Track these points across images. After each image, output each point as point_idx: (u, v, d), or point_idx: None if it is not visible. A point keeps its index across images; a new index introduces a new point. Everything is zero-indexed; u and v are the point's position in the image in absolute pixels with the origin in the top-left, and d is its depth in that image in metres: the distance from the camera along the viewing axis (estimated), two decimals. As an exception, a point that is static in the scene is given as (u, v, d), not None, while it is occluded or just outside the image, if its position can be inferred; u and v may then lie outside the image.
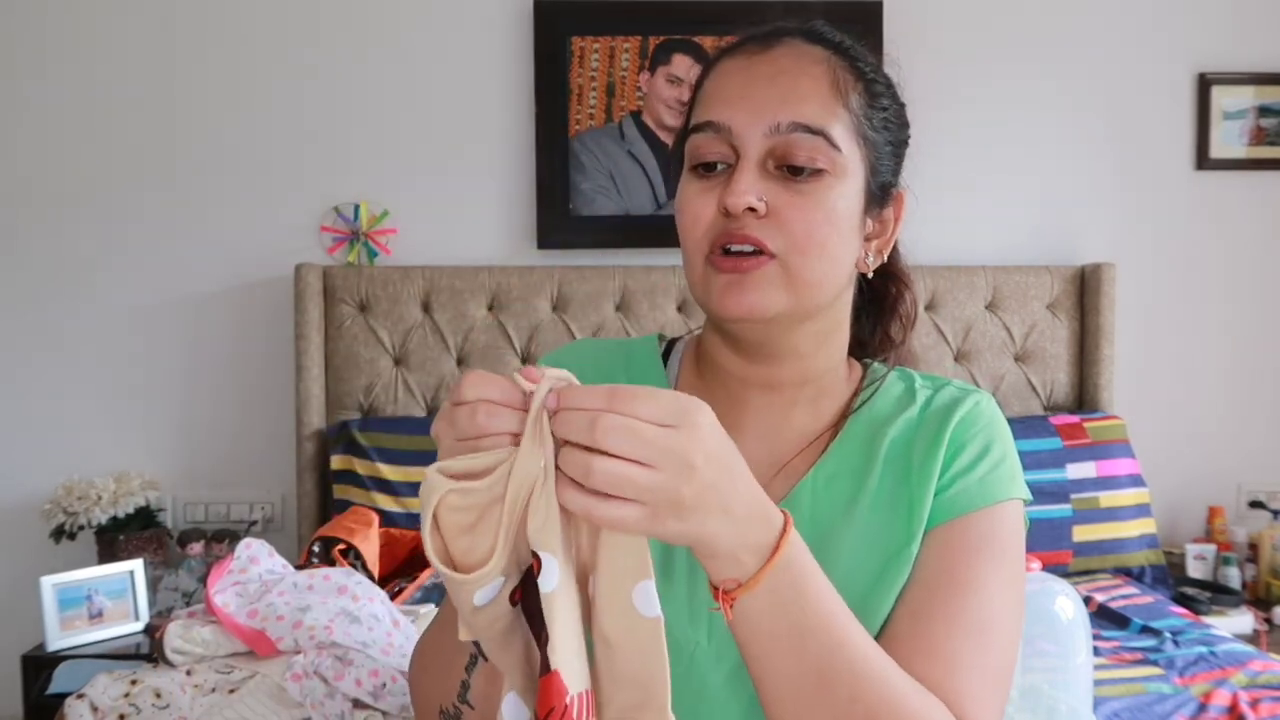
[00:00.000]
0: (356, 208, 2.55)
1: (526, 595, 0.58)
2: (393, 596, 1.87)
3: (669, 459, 0.55)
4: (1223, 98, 2.66)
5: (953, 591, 0.73)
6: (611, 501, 0.54)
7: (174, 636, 1.64)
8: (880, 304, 0.89)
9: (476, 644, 0.63)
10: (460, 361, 2.51)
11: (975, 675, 0.70)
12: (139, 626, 2.17)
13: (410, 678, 0.83)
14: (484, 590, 0.56)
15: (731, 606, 0.61)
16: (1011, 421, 2.52)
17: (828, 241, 0.75)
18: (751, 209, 0.73)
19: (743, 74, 0.76)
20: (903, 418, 0.82)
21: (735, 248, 0.74)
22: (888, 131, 0.80)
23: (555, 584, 0.55)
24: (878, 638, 0.70)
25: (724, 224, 0.74)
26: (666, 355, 0.89)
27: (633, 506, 0.55)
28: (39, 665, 2.03)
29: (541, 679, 0.56)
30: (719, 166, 0.76)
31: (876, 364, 0.88)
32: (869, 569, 0.76)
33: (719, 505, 0.58)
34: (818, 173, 0.74)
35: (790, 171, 0.74)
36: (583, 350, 0.91)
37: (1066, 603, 1.36)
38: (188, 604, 2.27)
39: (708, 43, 2.53)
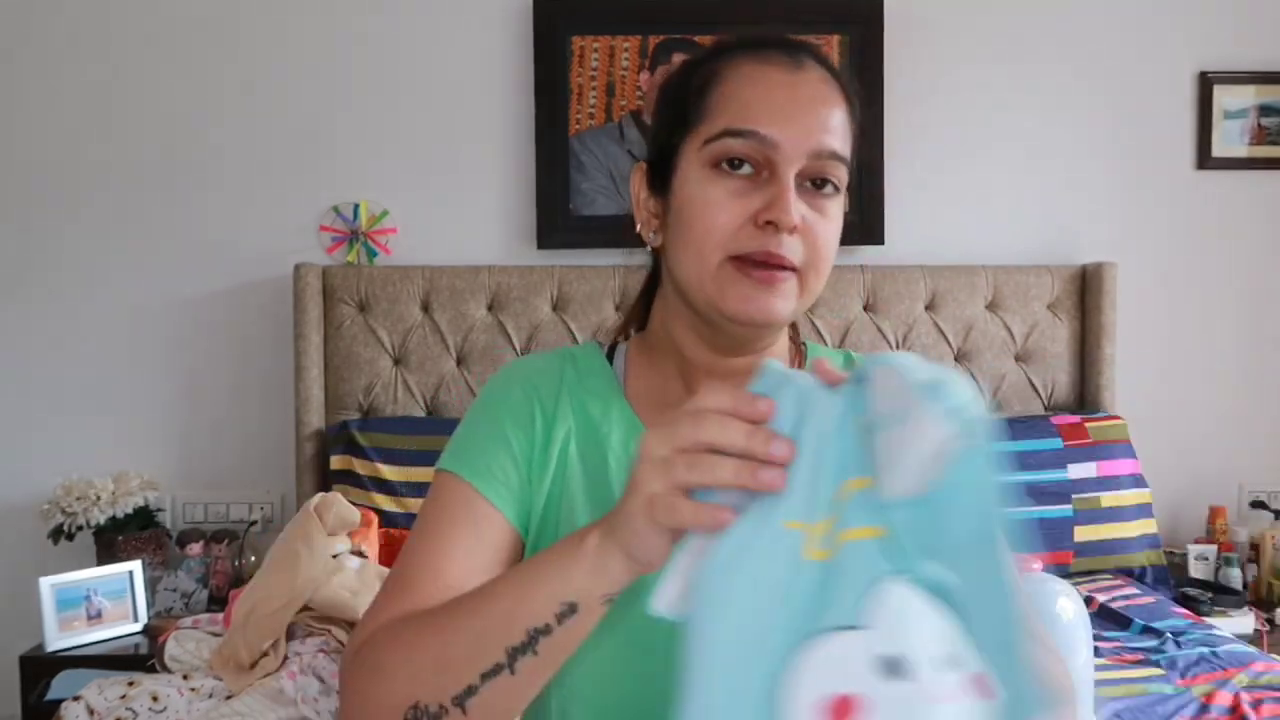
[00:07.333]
0: (356, 207, 2.55)
1: None
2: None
3: None
4: (1224, 97, 2.65)
5: None
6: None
7: (175, 647, 1.64)
8: None
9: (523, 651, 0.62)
10: (459, 362, 2.50)
11: None
12: (138, 627, 2.17)
13: (357, 672, 0.71)
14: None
15: None
16: (1012, 421, 2.52)
17: (832, 255, 0.81)
18: (794, 227, 0.76)
19: (786, 90, 0.78)
20: None
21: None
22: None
23: None
24: None
25: (760, 237, 0.76)
26: (610, 358, 0.91)
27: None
28: (37, 666, 2.03)
29: None
30: (745, 168, 0.77)
31: (812, 344, 0.94)
32: None
33: None
34: (835, 192, 0.80)
35: (813, 187, 0.78)
36: (519, 372, 0.88)
37: (1067, 603, 1.36)
38: (187, 605, 2.26)
39: (707, 43, 2.52)
